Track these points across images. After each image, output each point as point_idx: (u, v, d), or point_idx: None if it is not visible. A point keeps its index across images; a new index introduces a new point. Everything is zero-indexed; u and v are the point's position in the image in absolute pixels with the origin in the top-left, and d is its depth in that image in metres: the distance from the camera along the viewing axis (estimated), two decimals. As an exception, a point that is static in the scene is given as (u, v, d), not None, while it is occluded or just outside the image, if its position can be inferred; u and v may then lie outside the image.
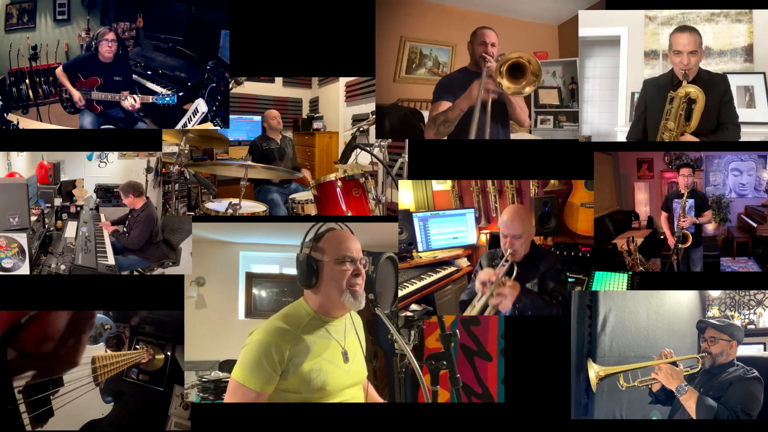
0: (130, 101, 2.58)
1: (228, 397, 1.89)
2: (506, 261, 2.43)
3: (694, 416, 2.28)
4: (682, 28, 2.51)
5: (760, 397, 2.31)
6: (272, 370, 1.84)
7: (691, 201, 2.64)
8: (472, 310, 2.36)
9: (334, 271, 1.93)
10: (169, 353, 2.48)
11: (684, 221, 2.63)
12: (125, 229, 2.68)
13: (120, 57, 2.63)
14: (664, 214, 2.70)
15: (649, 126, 2.56)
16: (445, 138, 2.60)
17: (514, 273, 2.43)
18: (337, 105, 4.36)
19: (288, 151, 3.69)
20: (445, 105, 2.59)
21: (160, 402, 2.47)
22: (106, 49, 2.58)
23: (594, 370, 2.41)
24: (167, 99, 2.60)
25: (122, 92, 2.61)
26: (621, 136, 2.75)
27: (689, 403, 2.29)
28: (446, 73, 2.82)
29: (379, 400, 2.23)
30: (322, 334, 1.95)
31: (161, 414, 2.47)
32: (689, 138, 2.52)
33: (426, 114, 2.77)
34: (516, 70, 2.50)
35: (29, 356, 1.14)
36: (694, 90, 2.45)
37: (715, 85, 2.51)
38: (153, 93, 2.64)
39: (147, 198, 2.67)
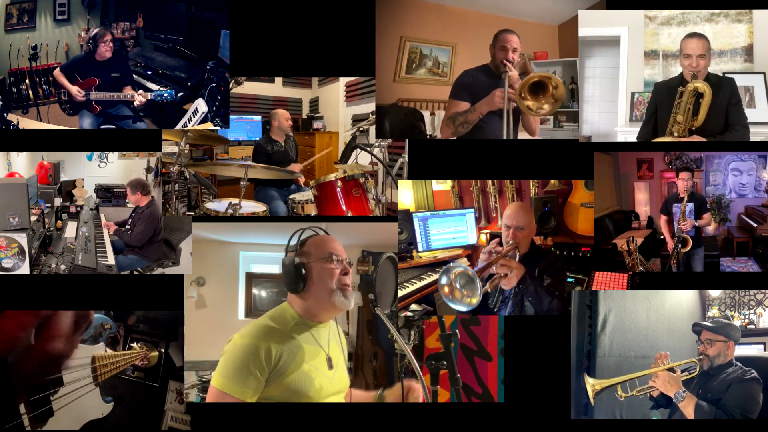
0: (140, 98, 2.58)
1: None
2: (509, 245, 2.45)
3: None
4: (692, 35, 2.56)
5: (759, 398, 2.30)
6: (259, 374, 1.80)
7: (690, 205, 2.64)
8: (473, 269, 2.34)
9: (323, 271, 1.93)
10: (162, 350, 2.50)
11: (684, 225, 2.63)
12: (128, 227, 2.68)
13: (116, 53, 2.63)
14: (663, 218, 2.70)
15: (659, 126, 2.61)
16: (454, 138, 2.61)
17: (517, 259, 2.45)
18: (337, 105, 4.36)
19: (292, 154, 3.69)
20: (464, 105, 2.62)
21: (155, 398, 2.48)
22: (105, 49, 2.58)
23: (590, 384, 2.41)
24: (165, 93, 2.60)
25: (124, 89, 2.61)
26: (621, 136, 2.75)
27: (687, 409, 2.29)
28: (446, 74, 2.82)
29: (366, 396, 2.22)
30: (309, 339, 1.93)
31: (157, 409, 2.48)
32: (697, 138, 2.55)
33: (426, 114, 2.77)
34: (538, 87, 2.53)
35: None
36: (701, 84, 2.51)
37: (723, 88, 2.55)
38: (151, 92, 2.65)
39: (152, 197, 2.68)
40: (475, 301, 2.21)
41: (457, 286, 2.24)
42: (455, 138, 2.63)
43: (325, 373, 1.94)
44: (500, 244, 2.51)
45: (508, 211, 2.53)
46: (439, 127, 2.73)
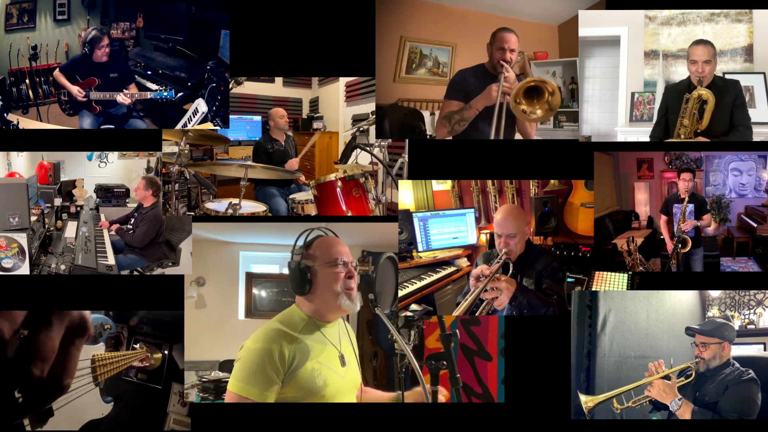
0: (121, 96, 2.58)
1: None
2: (500, 259, 2.41)
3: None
4: (698, 42, 2.61)
5: (757, 400, 2.28)
6: (275, 375, 1.82)
7: (691, 206, 2.64)
8: (458, 309, 2.35)
9: (328, 275, 1.92)
10: (166, 352, 2.49)
11: (684, 225, 2.63)
12: (130, 227, 2.68)
13: (113, 54, 2.63)
14: (663, 218, 2.70)
15: (670, 126, 2.65)
16: (450, 138, 2.61)
17: (510, 271, 2.42)
18: (337, 105, 4.36)
19: (291, 153, 3.69)
20: (457, 105, 2.62)
21: (158, 400, 2.48)
22: (102, 54, 2.59)
23: (582, 402, 2.37)
24: (165, 93, 2.60)
25: (130, 87, 2.62)
26: (621, 136, 2.75)
27: (684, 416, 2.27)
28: (446, 74, 2.82)
29: (383, 396, 2.22)
30: (319, 338, 1.94)
31: (160, 412, 2.48)
32: (702, 140, 2.58)
33: (426, 114, 2.77)
34: (533, 92, 2.51)
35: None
36: (705, 92, 2.56)
37: (728, 90, 2.58)
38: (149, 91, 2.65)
39: (158, 199, 2.68)
40: None
41: None
42: (452, 137, 2.62)
43: (338, 371, 1.95)
44: (496, 250, 2.50)
45: (497, 217, 2.47)
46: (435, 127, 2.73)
